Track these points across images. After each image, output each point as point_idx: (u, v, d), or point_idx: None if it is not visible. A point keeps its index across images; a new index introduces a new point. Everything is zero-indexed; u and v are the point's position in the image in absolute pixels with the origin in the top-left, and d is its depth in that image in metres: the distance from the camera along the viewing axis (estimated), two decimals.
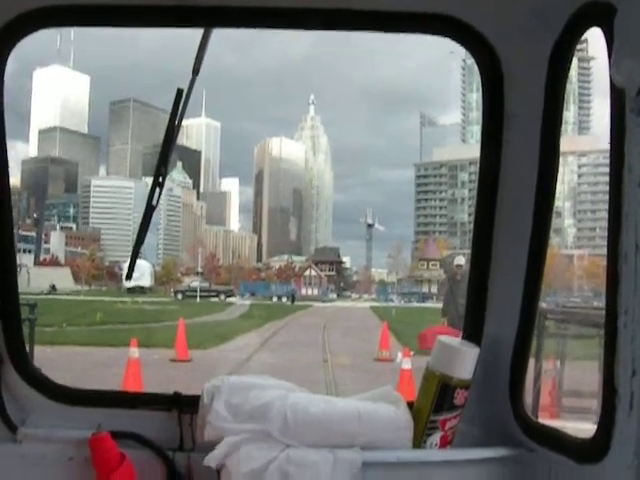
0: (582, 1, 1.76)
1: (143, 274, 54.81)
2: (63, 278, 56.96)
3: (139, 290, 52.62)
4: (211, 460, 1.98)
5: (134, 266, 2.43)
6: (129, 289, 52.17)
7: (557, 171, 2.05)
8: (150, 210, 2.17)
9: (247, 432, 2.00)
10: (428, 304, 54.70)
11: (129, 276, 2.61)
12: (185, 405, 2.21)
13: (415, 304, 59.28)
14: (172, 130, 2.16)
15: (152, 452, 2.16)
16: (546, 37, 1.92)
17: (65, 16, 2.11)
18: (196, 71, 2.13)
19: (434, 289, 67.92)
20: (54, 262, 69.36)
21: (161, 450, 2.17)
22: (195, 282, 57.42)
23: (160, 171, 2.16)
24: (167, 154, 2.18)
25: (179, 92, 2.13)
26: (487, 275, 2.19)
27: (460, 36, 2.09)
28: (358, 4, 2.03)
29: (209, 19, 2.08)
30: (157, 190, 2.16)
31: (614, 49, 1.57)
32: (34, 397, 2.28)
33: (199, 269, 70.44)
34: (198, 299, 50.52)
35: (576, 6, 1.79)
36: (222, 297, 53.66)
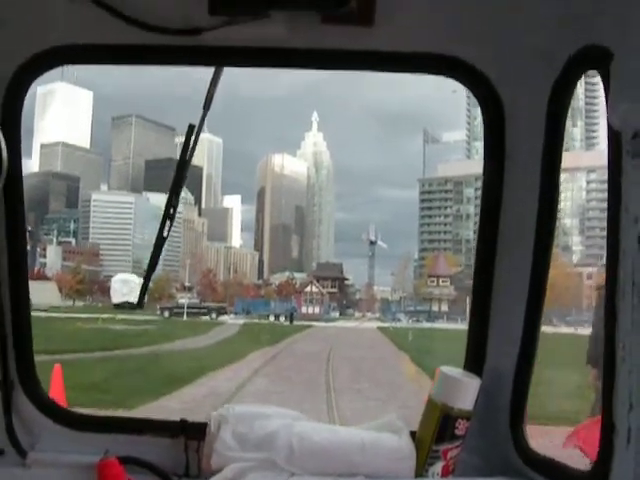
0: (581, 44, 1.82)
1: (132, 289, 52.59)
2: (48, 292, 55.08)
3: (128, 306, 50.53)
4: None
5: (146, 292, 2.46)
6: (116, 305, 50.20)
7: (557, 206, 2.11)
8: (161, 241, 2.22)
9: (253, 461, 2.01)
10: (440, 324, 51.58)
11: (140, 304, 2.46)
12: (192, 432, 2.23)
13: (425, 324, 55.71)
14: (183, 164, 2.21)
15: (158, 478, 2.20)
16: (547, 78, 1.96)
17: (78, 55, 2.17)
18: (207, 107, 2.17)
19: (444, 307, 65.53)
20: (40, 276, 67.27)
21: (167, 476, 2.20)
22: (183, 299, 55.23)
23: (171, 203, 2.20)
24: (178, 188, 2.21)
25: (190, 128, 2.18)
26: (489, 305, 2.21)
27: (462, 76, 2.14)
28: (360, 45, 2.08)
29: (220, 58, 2.15)
30: (168, 222, 2.19)
31: (610, 93, 1.63)
32: (43, 422, 2.30)
33: (187, 283, 67.90)
34: (185, 317, 48.18)
35: (575, 49, 1.85)
36: (214, 315, 51.40)
